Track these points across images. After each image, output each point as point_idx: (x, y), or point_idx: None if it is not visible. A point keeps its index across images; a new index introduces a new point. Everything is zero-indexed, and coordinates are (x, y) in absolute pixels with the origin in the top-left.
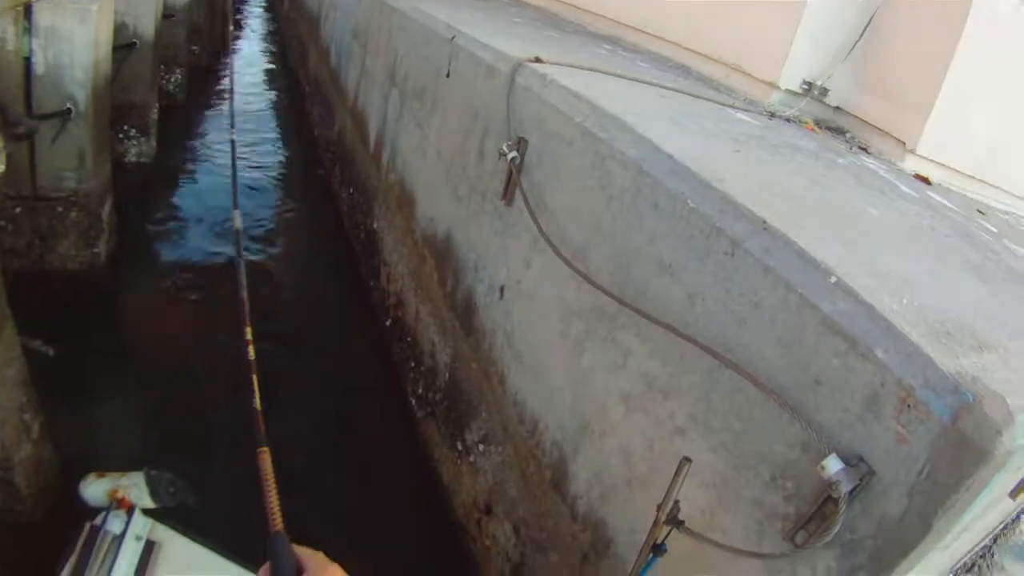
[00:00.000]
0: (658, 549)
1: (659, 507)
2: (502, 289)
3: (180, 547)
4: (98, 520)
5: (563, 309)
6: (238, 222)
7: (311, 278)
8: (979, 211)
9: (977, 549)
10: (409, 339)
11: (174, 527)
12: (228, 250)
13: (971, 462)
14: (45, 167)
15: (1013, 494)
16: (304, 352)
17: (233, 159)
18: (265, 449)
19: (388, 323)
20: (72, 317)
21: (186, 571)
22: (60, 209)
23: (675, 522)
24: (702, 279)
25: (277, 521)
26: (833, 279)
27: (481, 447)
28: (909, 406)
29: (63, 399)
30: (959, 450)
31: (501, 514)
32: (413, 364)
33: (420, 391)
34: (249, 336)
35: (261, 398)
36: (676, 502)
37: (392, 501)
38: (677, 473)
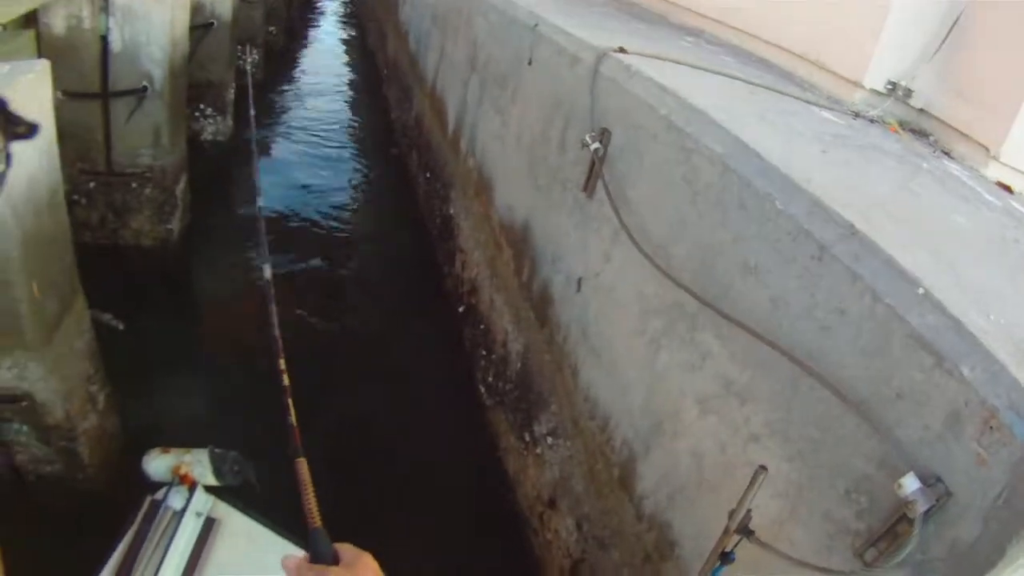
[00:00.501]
0: (726, 557)
1: (731, 515)
2: (580, 281)
3: (240, 524)
4: (159, 495)
5: (641, 305)
6: (268, 273)
7: (385, 261)
8: None
9: None
10: (482, 327)
11: (235, 505)
12: (302, 226)
13: None
14: (120, 143)
15: None
16: (375, 335)
17: (261, 227)
18: (302, 459)
19: (461, 310)
20: (143, 293)
21: (245, 548)
22: (135, 185)
23: (746, 531)
24: (787, 283)
25: (316, 519)
26: (921, 291)
27: (549, 440)
28: (992, 428)
29: (131, 373)
30: None
31: (565, 509)
32: (484, 352)
33: (490, 379)
34: (283, 366)
35: (296, 415)
36: (748, 511)
37: (456, 489)
38: (752, 482)
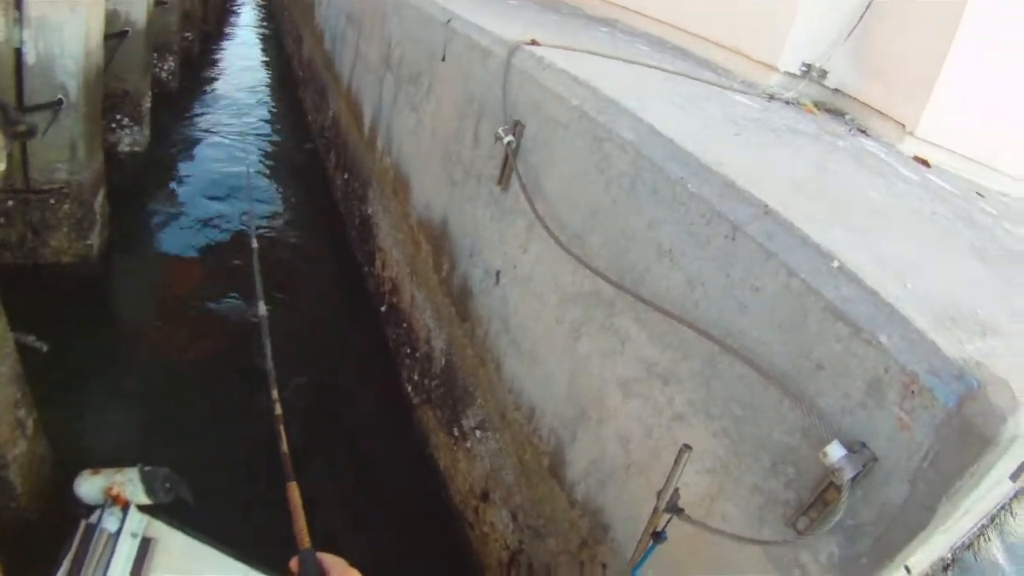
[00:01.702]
0: (658, 536)
1: (659, 494)
2: (498, 274)
3: (177, 543)
4: (93, 518)
5: (560, 295)
6: (262, 310)
7: (305, 265)
8: (978, 193)
9: (975, 529)
10: (404, 325)
11: (171, 523)
12: (223, 237)
13: (976, 449)
14: (37, 159)
15: (1014, 477)
16: (298, 338)
17: (255, 265)
18: (293, 484)
19: (383, 309)
20: (66, 311)
21: (183, 567)
22: (52, 201)
23: (675, 509)
24: (702, 264)
25: (305, 540)
26: (836, 264)
27: (478, 433)
28: (913, 392)
29: (58, 395)
30: (964, 437)
31: (499, 501)
32: (409, 350)
33: (416, 377)
34: (276, 396)
35: (288, 443)
36: (676, 490)
37: (389, 487)
38: (677, 461)
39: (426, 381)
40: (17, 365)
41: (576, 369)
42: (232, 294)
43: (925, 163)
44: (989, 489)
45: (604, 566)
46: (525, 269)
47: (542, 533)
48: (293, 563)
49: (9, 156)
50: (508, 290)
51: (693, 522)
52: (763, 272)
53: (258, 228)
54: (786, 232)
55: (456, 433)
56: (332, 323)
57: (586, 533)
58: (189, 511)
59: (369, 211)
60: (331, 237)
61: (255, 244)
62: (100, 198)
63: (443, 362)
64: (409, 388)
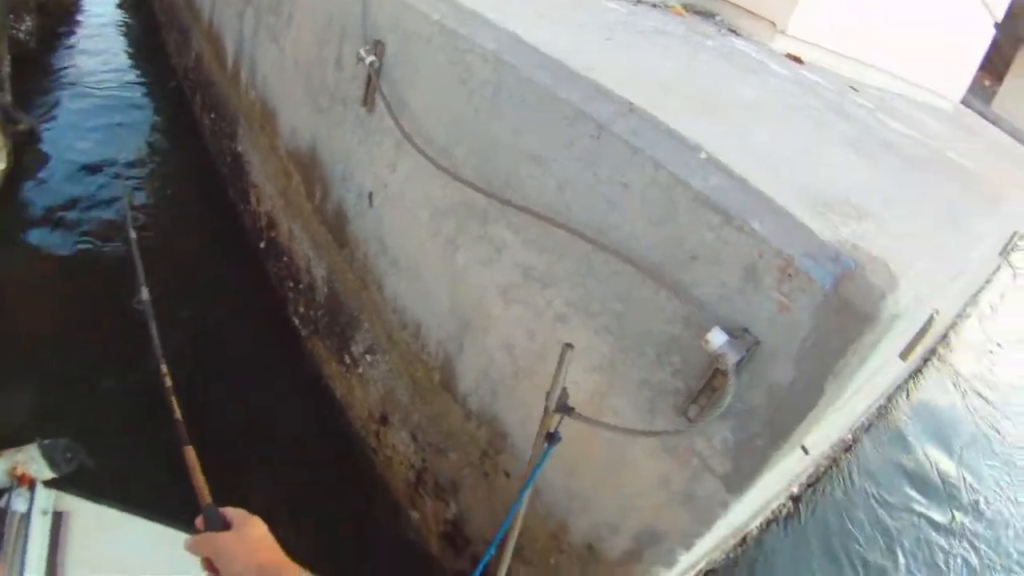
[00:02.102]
0: (552, 438)
1: (547, 396)
2: (370, 196)
3: (90, 512)
4: (2, 503)
5: (432, 209)
6: (145, 295)
7: (179, 212)
8: (853, 88)
9: (874, 408)
10: (285, 259)
11: (80, 494)
12: (100, 213)
13: (857, 327)
14: None
15: (903, 356)
16: (181, 285)
17: (135, 252)
18: (189, 447)
19: (262, 245)
20: None
21: (99, 536)
22: None
23: (565, 409)
24: (569, 165)
25: (206, 496)
26: (703, 155)
27: (368, 358)
28: (790, 275)
29: None
30: (843, 316)
31: (397, 423)
32: (292, 284)
33: (302, 309)
34: (165, 370)
35: (180, 408)
36: (564, 389)
37: (289, 424)
38: (561, 361)
39: (312, 312)
40: None
41: (456, 281)
42: (108, 262)
43: (798, 60)
44: (880, 369)
45: (507, 474)
46: (396, 188)
47: (443, 448)
48: (198, 521)
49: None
50: (382, 210)
51: (585, 419)
52: (629, 168)
53: (128, 179)
54: (651, 128)
55: (347, 360)
56: (211, 267)
57: (485, 444)
58: (96, 483)
59: (239, 148)
60: (201, 179)
61: (133, 234)
62: None
63: (326, 291)
64: (296, 321)
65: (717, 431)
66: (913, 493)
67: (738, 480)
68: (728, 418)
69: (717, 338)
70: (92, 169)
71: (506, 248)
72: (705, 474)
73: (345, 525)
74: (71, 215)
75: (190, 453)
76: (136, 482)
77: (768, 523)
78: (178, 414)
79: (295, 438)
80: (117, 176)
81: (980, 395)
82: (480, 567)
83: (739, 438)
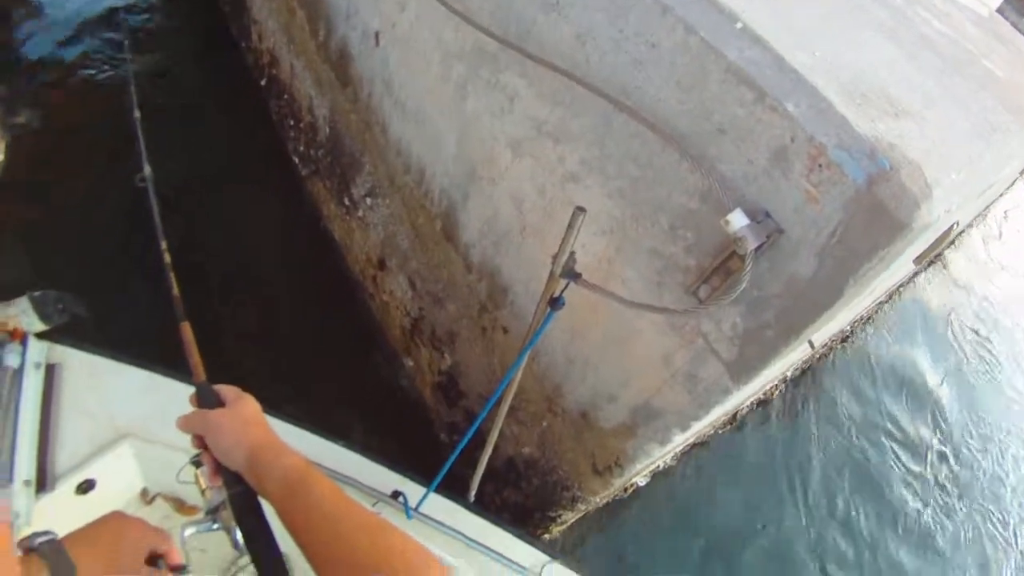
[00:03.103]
0: (555, 303)
1: (554, 259)
2: (377, 35)
3: (82, 362)
4: None
5: (442, 51)
6: (148, 171)
7: (177, 45)
8: None
9: (874, 305)
10: (286, 96)
11: (73, 344)
12: (86, 32)
13: (887, 233)
14: None
15: (917, 260)
16: (183, 119)
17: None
18: (186, 323)
19: (264, 83)
20: None
21: (92, 384)
22: None
23: (572, 275)
24: (592, 16)
25: (201, 374)
26: (739, 25)
27: (368, 201)
28: (821, 166)
29: None
30: (875, 218)
31: (395, 268)
32: (292, 122)
33: (302, 148)
34: (164, 246)
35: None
36: (572, 254)
37: (288, 265)
38: (571, 224)
39: (313, 152)
40: None
41: (464, 128)
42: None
43: None
44: (894, 272)
45: (505, 330)
46: (404, 28)
47: (441, 298)
48: (192, 398)
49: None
50: (389, 50)
51: (592, 287)
52: (659, 27)
53: (129, 25)
54: None
55: (347, 203)
56: (211, 104)
57: (485, 297)
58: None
59: None
60: (203, 17)
61: (137, 113)
62: None
63: (328, 130)
64: (296, 160)
65: (726, 315)
66: (891, 393)
67: (743, 368)
68: (740, 303)
69: (738, 220)
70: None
71: (519, 98)
72: (710, 357)
73: (339, 370)
74: (72, 70)
75: (186, 329)
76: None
77: (759, 403)
78: (176, 290)
79: (292, 280)
80: (119, 26)
81: (976, 312)
82: (475, 425)
83: (749, 326)
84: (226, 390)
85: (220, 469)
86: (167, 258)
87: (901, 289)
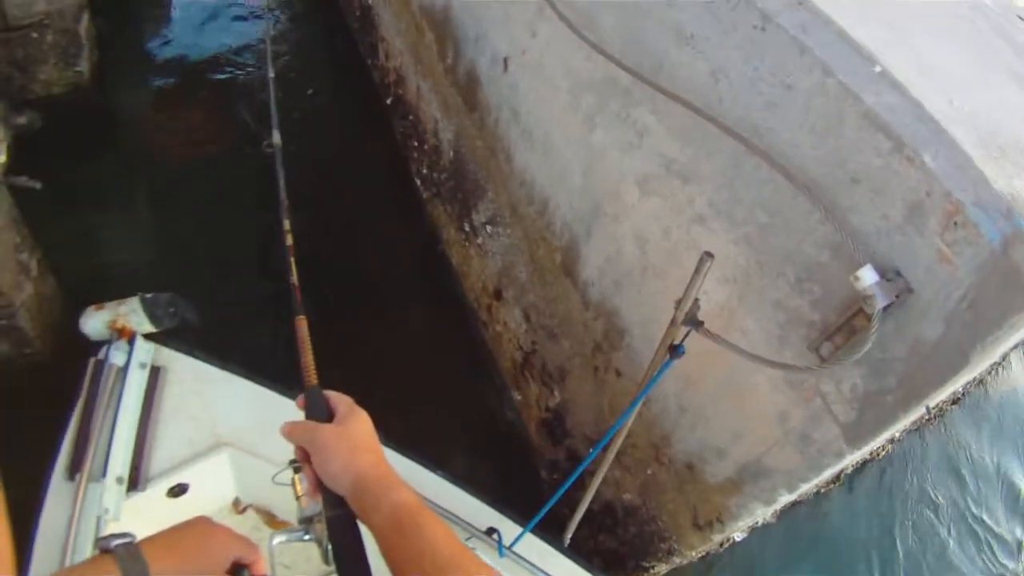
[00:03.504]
0: (675, 351)
1: (677, 304)
2: (506, 61)
3: (187, 368)
4: (101, 354)
5: (572, 81)
6: (277, 138)
7: (308, 60)
8: (1020, 17)
9: (988, 367)
10: (411, 117)
11: (179, 348)
12: (220, 45)
13: (1019, 297)
14: None
15: None
16: (305, 134)
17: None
18: (302, 317)
19: (389, 101)
20: (64, 143)
21: (195, 390)
22: (35, 35)
23: (694, 323)
24: (727, 54)
25: (313, 377)
26: (878, 68)
27: (489, 228)
28: (957, 224)
29: (60, 231)
30: (1008, 283)
31: (511, 299)
32: (416, 143)
33: (425, 171)
34: (287, 227)
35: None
36: (696, 300)
37: (404, 286)
38: (698, 270)
39: (435, 174)
40: (13, 208)
41: (591, 161)
42: (240, 114)
43: None
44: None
45: (619, 373)
46: (534, 54)
47: (556, 334)
48: (300, 400)
49: None
50: (517, 77)
51: (713, 337)
52: (796, 68)
53: (254, 43)
54: (822, 27)
55: (467, 228)
56: (338, 119)
57: (600, 337)
58: (198, 339)
59: (369, 1)
60: (331, 30)
61: (272, 73)
62: (84, 21)
63: (452, 154)
64: (418, 182)
65: (847, 376)
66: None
67: (860, 433)
68: (863, 364)
69: (868, 276)
70: (226, 16)
71: (648, 134)
72: (826, 418)
73: (445, 396)
74: (209, 53)
75: (302, 324)
76: (239, 347)
77: (864, 463)
78: (295, 279)
79: (405, 298)
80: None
81: None
82: (580, 468)
83: (870, 389)
84: (337, 399)
85: (321, 487)
86: (289, 240)
87: (1016, 348)
